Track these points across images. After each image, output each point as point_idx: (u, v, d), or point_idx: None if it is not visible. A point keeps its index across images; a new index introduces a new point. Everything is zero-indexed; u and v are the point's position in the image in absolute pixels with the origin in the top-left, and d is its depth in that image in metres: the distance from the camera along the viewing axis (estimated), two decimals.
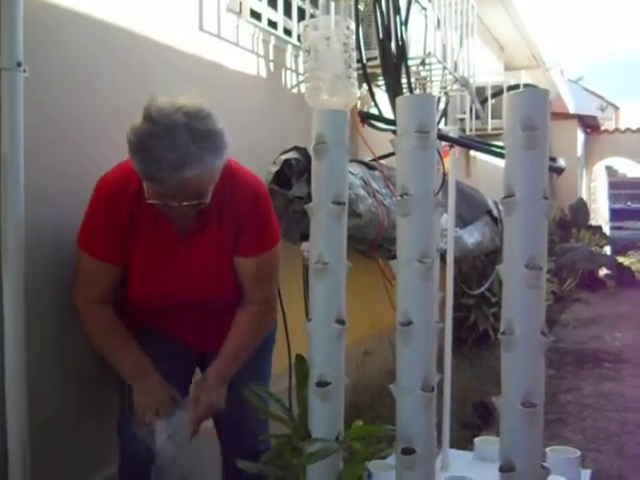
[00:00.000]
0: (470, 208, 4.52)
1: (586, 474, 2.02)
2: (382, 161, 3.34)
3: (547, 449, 2.01)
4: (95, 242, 1.68)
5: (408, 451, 1.36)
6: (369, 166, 3.27)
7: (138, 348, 1.74)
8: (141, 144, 1.47)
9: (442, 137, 1.94)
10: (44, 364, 1.78)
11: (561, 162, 1.91)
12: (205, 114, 1.51)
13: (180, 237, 1.72)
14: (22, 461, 1.62)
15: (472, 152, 5.86)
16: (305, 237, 1.70)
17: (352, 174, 2.95)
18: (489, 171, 6.03)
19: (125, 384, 1.76)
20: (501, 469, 1.31)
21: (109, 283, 1.73)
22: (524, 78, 5.76)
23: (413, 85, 3.72)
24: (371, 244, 3.15)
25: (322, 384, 1.46)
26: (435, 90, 4.31)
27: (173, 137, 1.46)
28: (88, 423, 1.91)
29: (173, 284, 1.74)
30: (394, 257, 1.43)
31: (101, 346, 1.75)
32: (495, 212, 4.80)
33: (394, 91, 3.39)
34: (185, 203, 1.54)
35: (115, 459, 1.82)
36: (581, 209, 10.16)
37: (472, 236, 4.45)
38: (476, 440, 2.20)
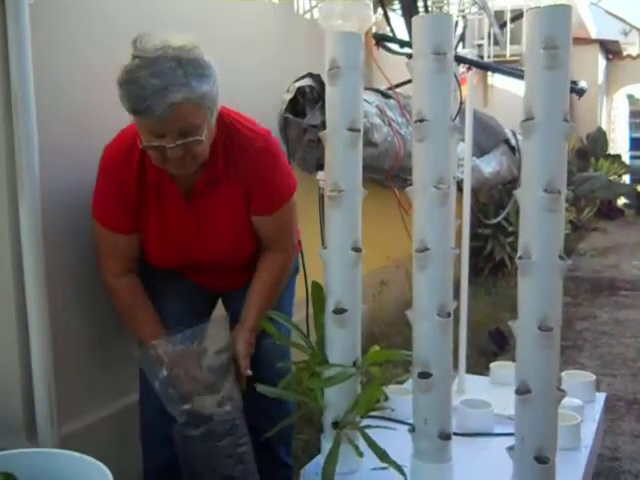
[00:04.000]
0: (487, 137, 4.45)
1: (601, 397, 2.04)
2: (398, 90, 3.27)
3: (563, 373, 2.03)
4: (108, 215, 1.68)
5: (425, 375, 1.38)
6: (385, 94, 3.21)
7: (156, 317, 1.75)
8: (127, 78, 1.45)
9: (460, 59, 1.88)
10: (65, 301, 1.80)
11: (582, 84, 1.85)
12: (193, 46, 1.49)
13: (187, 199, 1.69)
14: (47, 389, 1.66)
15: (490, 81, 5.73)
16: (320, 166, 1.68)
17: (367, 102, 2.89)
18: (507, 100, 5.90)
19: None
20: (517, 391, 1.32)
21: (129, 252, 1.73)
22: (544, 1, 5.56)
23: (429, 8, 3.61)
24: (387, 174, 3.12)
25: (339, 311, 1.47)
26: (452, 13, 4.18)
27: (159, 65, 1.44)
28: (108, 354, 1.95)
29: (186, 247, 1.73)
30: (410, 186, 1.41)
31: (122, 315, 1.77)
32: (513, 141, 4.72)
33: (410, 14, 3.30)
34: (179, 142, 1.49)
35: (133, 388, 1.86)
36: (600, 138, 9.97)
37: (489, 165, 4.40)
38: (492, 365, 2.22)
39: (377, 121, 2.91)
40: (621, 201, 9.83)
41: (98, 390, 1.92)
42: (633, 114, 14.53)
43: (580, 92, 1.83)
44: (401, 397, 1.77)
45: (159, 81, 1.43)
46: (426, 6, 3.48)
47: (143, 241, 1.74)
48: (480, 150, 4.23)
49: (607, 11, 17.60)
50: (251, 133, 1.68)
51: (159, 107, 1.43)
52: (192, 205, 1.69)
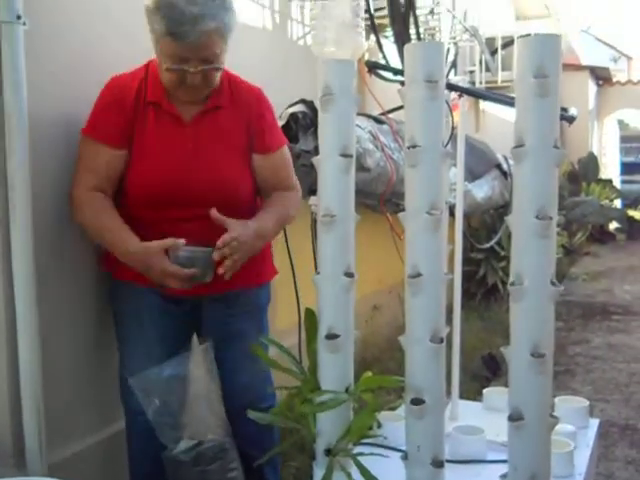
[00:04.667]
0: (479, 162, 4.48)
1: (594, 423, 2.03)
2: (390, 115, 3.30)
3: (556, 399, 2.02)
4: (97, 123, 1.72)
5: (417, 401, 1.37)
6: (378, 120, 3.23)
7: (127, 227, 1.70)
8: (164, 2, 1.55)
9: (451, 86, 1.90)
10: (54, 327, 1.79)
11: (572, 111, 1.87)
12: None
13: (186, 122, 1.73)
14: (36, 416, 1.64)
15: (482, 106, 5.78)
16: (313, 191, 1.68)
17: (360, 127, 2.91)
18: (499, 125, 5.96)
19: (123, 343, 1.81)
20: (510, 418, 1.31)
21: (110, 171, 1.71)
22: (535, 28, 5.65)
23: (422, 35, 3.65)
24: (380, 198, 3.13)
25: (331, 336, 1.46)
26: (444, 40, 4.23)
27: None
28: (96, 382, 1.93)
29: (179, 171, 1.71)
30: (403, 211, 1.41)
31: (94, 228, 1.73)
32: (505, 166, 4.75)
33: (402, 41, 3.33)
34: (200, 67, 1.61)
35: (120, 415, 1.84)
36: (591, 162, 10.05)
37: (482, 190, 4.42)
38: (485, 391, 2.21)
39: (370, 146, 2.92)
40: (613, 225, 9.88)
41: (86, 417, 1.91)
42: (624, 139, 14.69)
43: (570, 119, 1.85)
44: (394, 423, 1.76)
45: (197, 9, 1.54)
46: (418, 33, 3.52)
47: (131, 161, 1.72)
48: (472, 175, 4.26)
49: (597, 38, 17.86)
50: (249, 83, 1.86)
51: (194, 34, 1.55)
52: (192, 127, 1.74)
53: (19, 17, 1.57)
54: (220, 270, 1.66)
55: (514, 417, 1.30)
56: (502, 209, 4.92)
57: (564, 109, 1.83)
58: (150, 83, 1.73)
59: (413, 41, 3.49)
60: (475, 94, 2.13)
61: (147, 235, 1.70)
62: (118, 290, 1.85)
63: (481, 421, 1.88)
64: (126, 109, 1.71)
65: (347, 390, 1.48)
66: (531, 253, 1.27)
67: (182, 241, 1.63)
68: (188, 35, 1.55)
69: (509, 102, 1.84)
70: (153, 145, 1.72)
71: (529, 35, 1.27)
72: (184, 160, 1.71)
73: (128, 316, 1.83)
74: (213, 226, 1.69)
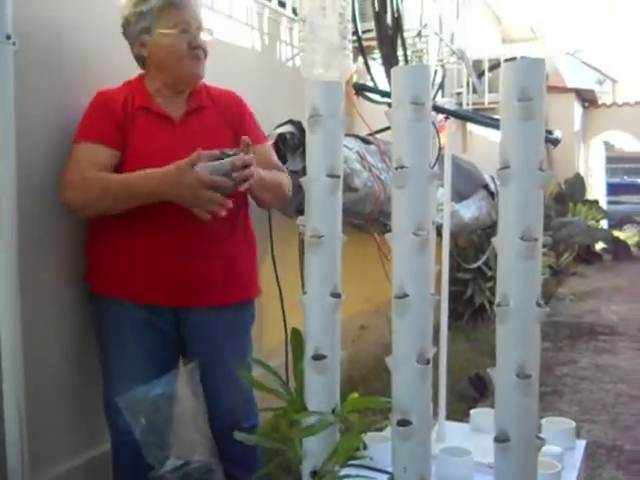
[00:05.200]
0: (467, 182, 4.51)
1: (581, 444, 2.03)
2: (378, 135, 3.32)
3: (542, 420, 2.02)
4: (91, 127, 1.77)
5: (404, 423, 1.37)
6: (365, 140, 3.25)
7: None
8: None
9: (437, 109, 1.92)
10: (38, 349, 1.77)
11: (557, 133, 1.90)
12: None
13: (175, 122, 1.83)
14: (19, 439, 1.62)
15: (469, 127, 5.83)
16: (301, 211, 1.69)
17: (348, 148, 2.93)
18: (486, 146, 6.00)
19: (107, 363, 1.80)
20: (496, 440, 1.31)
21: (105, 167, 1.74)
22: (521, 51, 5.72)
23: (409, 57, 3.69)
24: (367, 218, 3.14)
25: (318, 357, 1.46)
26: (431, 62, 4.27)
27: None
28: (79, 404, 1.91)
29: (172, 161, 1.73)
30: (390, 231, 1.42)
31: (106, 194, 1.71)
32: (492, 186, 4.78)
33: (390, 63, 3.36)
34: (200, 30, 1.82)
35: (105, 437, 1.82)
36: (578, 183, 10.14)
37: (469, 210, 4.45)
38: (472, 412, 2.21)
39: (357, 167, 2.94)
40: (599, 246, 9.96)
41: (69, 439, 1.89)
42: (609, 160, 14.85)
43: (555, 142, 1.87)
44: (380, 445, 1.75)
45: None
46: (406, 56, 3.56)
47: (124, 161, 1.77)
48: (459, 195, 4.28)
49: (582, 61, 18.11)
50: (222, 88, 1.99)
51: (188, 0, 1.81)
52: (181, 127, 1.84)
53: (9, 37, 1.57)
54: (245, 186, 1.70)
55: (500, 439, 1.30)
56: (489, 229, 4.94)
57: (549, 131, 1.85)
58: (137, 93, 1.83)
59: (401, 63, 3.52)
60: (461, 116, 2.15)
61: (145, 230, 1.76)
62: (99, 305, 1.84)
63: (468, 442, 1.88)
64: (116, 115, 1.79)
65: (334, 411, 1.47)
66: (516, 274, 1.28)
67: (205, 151, 1.67)
68: (186, 1, 1.80)
69: (494, 125, 1.86)
70: (145, 146, 1.79)
71: (515, 58, 1.29)
72: (176, 159, 1.73)
73: (111, 332, 1.82)
74: (206, 224, 1.73)
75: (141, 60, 1.88)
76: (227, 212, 1.74)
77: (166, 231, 1.76)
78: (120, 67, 1.91)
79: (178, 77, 1.85)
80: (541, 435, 1.35)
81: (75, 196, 1.73)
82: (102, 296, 1.82)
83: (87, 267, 1.86)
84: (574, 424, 2.06)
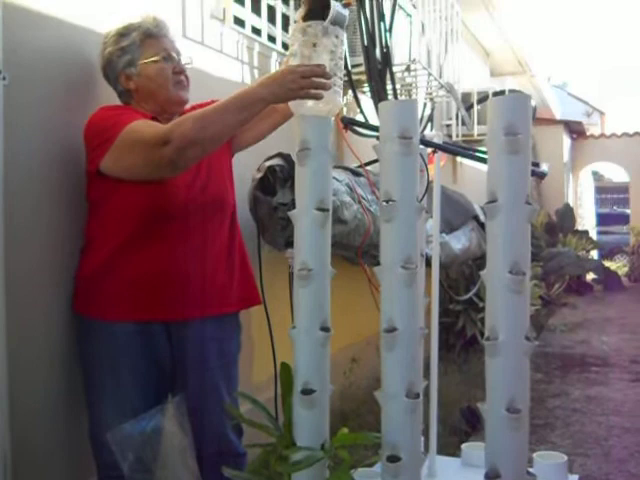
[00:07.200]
0: (457, 213, 4.53)
1: (573, 479, 2.01)
2: (368, 168, 3.33)
3: (534, 454, 2.00)
4: (123, 114, 1.78)
5: (393, 459, 1.35)
6: (355, 172, 3.26)
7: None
8: (131, 22, 1.86)
9: (425, 142, 1.94)
10: (24, 379, 1.75)
11: (544, 167, 1.91)
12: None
13: None
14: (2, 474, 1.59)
15: (459, 158, 5.87)
16: (290, 244, 1.69)
17: (337, 180, 2.94)
18: (476, 177, 6.05)
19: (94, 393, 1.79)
20: (487, 476, 1.30)
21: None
22: (510, 84, 5.80)
23: (398, 91, 3.73)
24: (357, 250, 3.14)
25: (307, 392, 1.45)
26: (420, 96, 4.32)
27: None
28: (65, 438, 1.88)
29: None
30: (380, 263, 1.42)
31: (215, 119, 1.68)
32: (482, 217, 4.81)
33: (379, 97, 3.40)
34: (179, 59, 1.90)
35: (91, 472, 1.79)
36: (567, 214, 10.21)
37: (459, 242, 4.46)
38: (463, 446, 2.19)
39: (347, 199, 2.95)
40: (590, 276, 9.98)
41: (55, 475, 1.85)
42: (599, 190, 14.99)
43: (541, 175, 1.88)
44: None
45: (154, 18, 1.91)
46: (395, 90, 3.59)
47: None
48: (450, 227, 4.29)
49: (570, 94, 18.38)
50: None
51: (166, 30, 1.90)
52: None
53: None
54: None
55: (491, 475, 1.29)
56: (480, 260, 4.95)
57: (536, 164, 1.86)
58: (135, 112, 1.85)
59: (390, 97, 3.56)
60: (448, 150, 2.17)
61: (174, 245, 1.81)
62: (87, 329, 1.81)
63: (459, 478, 1.86)
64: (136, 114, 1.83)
65: (323, 446, 1.45)
66: (505, 308, 1.28)
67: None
68: (165, 31, 1.90)
69: (482, 158, 1.88)
70: None
71: (503, 92, 1.31)
72: (197, 179, 1.87)
73: (101, 359, 1.79)
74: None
75: (126, 95, 1.89)
76: (222, 237, 1.88)
77: (201, 237, 1.86)
78: (114, 98, 1.93)
79: (167, 103, 1.87)
80: (532, 471, 1.34)
81: (177, 136, 1.65)
82: (89, 318, 1.79)
83: (77, 290, 1.83)
84: (566, 458, 2.04)
